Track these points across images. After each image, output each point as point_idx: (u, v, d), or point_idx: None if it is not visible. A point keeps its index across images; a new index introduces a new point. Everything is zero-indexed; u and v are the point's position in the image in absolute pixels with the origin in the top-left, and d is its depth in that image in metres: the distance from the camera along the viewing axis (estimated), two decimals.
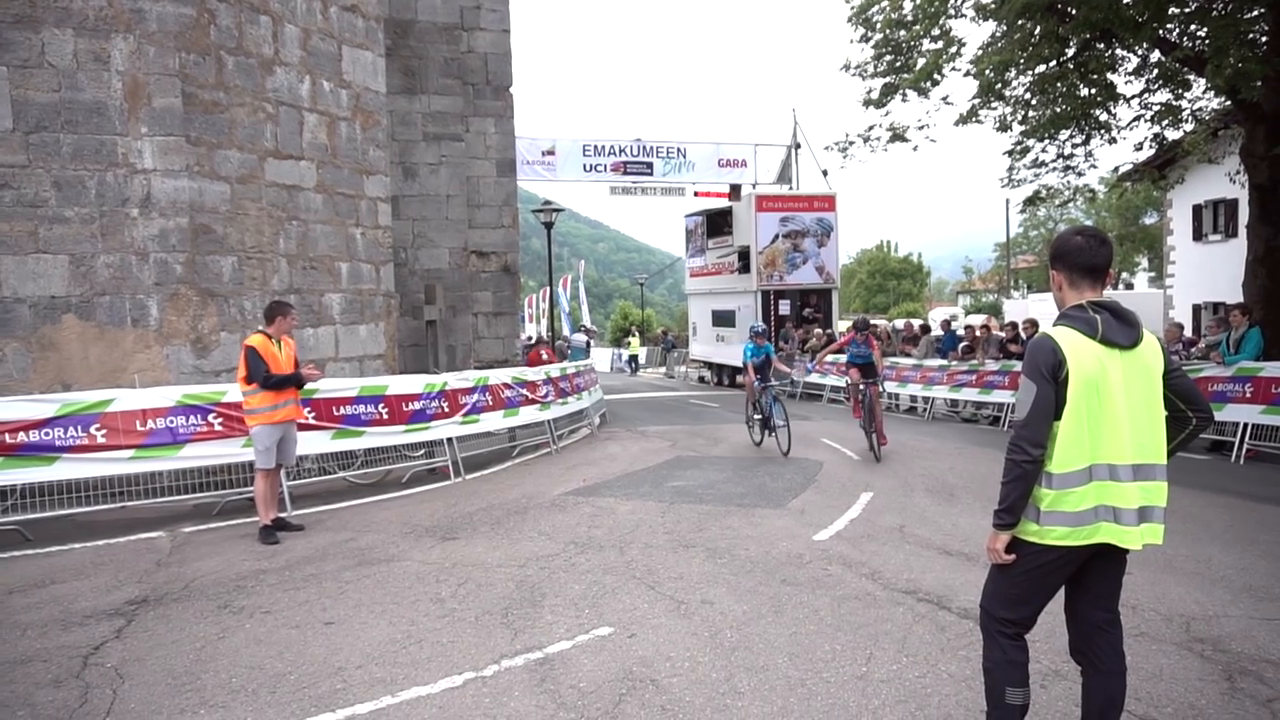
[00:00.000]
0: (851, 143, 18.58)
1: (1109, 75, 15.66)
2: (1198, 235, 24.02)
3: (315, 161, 11.12)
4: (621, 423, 16.09)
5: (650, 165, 24.39)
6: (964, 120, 16.88)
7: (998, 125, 16.97)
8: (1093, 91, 15.72)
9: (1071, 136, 16.72)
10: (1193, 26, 14.03)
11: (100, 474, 7.79)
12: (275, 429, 7.39)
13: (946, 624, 4.86)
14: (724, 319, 25.26)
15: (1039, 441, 2.82)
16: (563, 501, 8.67)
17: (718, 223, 25.85)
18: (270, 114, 10.41)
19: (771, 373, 12.13)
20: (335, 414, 9.10)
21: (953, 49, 16.28)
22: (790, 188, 25.24)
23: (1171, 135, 16.28)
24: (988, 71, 15.49)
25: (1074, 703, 3.63)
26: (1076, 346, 2.82)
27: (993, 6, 15.27)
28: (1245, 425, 10.52)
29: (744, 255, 23.59)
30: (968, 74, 16.29)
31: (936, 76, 16.53)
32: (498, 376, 11.57)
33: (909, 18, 16.54)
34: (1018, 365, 14.27)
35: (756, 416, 12.23)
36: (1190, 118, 15.83)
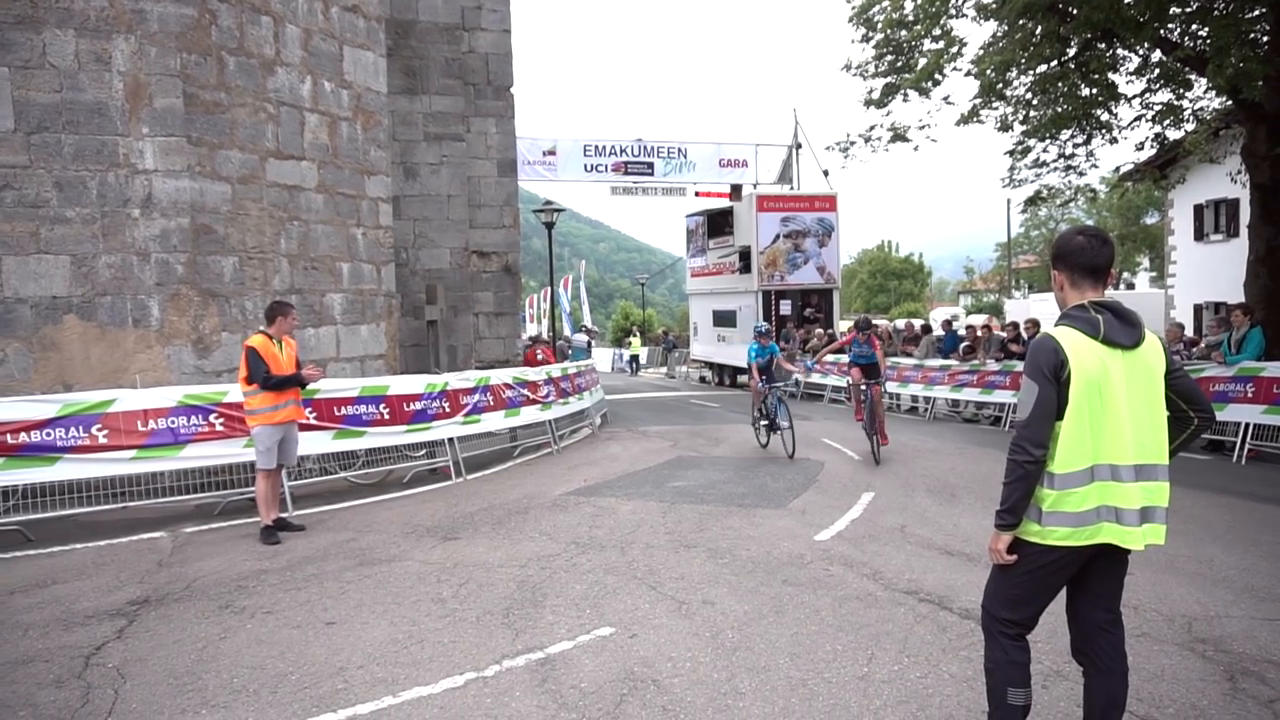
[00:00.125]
0: (853, 143, 18.58)
1: (1110, 75, 15.64)
2: (1199, 235, 24.01)
3: (316, 162, 11.12)
4: (623, 423, 16.09)
5: (651, 165, 24.39)
6: (965, 120, 16.87)
7: (999, 125, 16.97)
8: (1094, 91, 15.71)
9: (1073, 136, 16.71)
10: (1194, 26, 14.02)
11: (102, 474, 7.79)
12: (276, 429, 7.39)
13: (948, 624, 4.86)
14: (725, 319, 25.26)
15: (1041, 442, 2.82)
16: (564, 501, 8.67)
17: (719, 223, 25.85)
18: (271, 114, 10.41)
19: (777, 372, 11.97)
20: (336, 414, 9.11)
21: (954, 49, 16.28)
22: (791, 188, 25.23)
23: (1173, 135, 16.27)
24: (989, 71, 15.49)
25: (1076, 703, 3.63)
26: (1078, 346, 2.82)
27: (994, 6, 15.26)
28: (1247, 425, 10.51)
29: (745, 255, 23.59)
30: (969, 74, 16.30)
31: (938, 76, 16.53)
32: (499, 376, 11.57)
33: (910, 18, 16.54)
34: (1019, 365, 14.26)
35: (764, 423, 11.92)
36: (1191, 117, 15.82)
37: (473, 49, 17.48)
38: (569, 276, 45.17)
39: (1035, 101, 16.36)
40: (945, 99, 17.51)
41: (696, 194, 25.49)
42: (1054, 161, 17.28)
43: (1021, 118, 16.69)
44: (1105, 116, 16.27)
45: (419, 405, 9.92)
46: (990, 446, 12.04)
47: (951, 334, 18.29)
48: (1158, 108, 15.65)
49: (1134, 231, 40.99)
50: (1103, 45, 15.02)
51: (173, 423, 8.04)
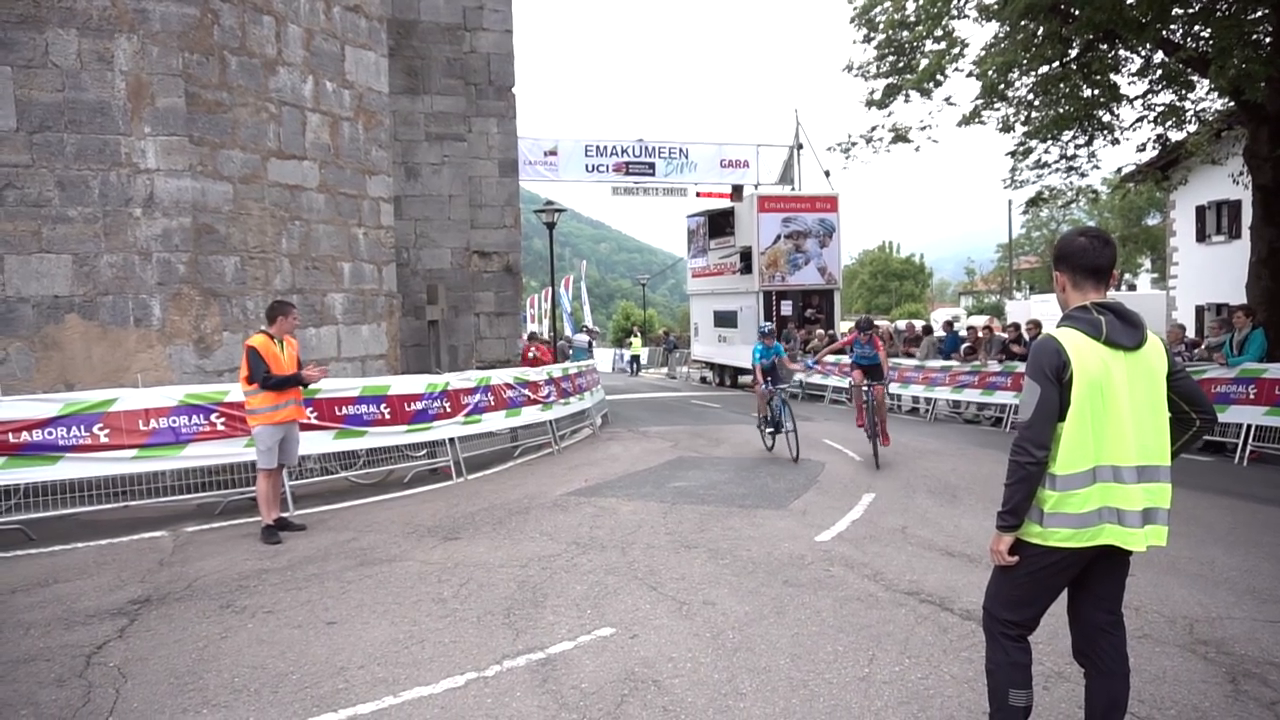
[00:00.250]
0: (854, 143, 18.58)
1: (1112, 76, 15.63)
2: (1201, 236, 23.99)
3: (318, 161, 11.13)
4: (623, 423, 16.09)
5: (652, 166, 24.39)
6: (967, 121, 16.87)
7: (1000, 126, 16.97)
8: (1096, 92, 15.70)
9: (1074, 137, 16.70)
10: (1196, 27, 14.01)
11: (103, 473, 7.80)
12: (277, 429, 7.39)
13: (949, 625, 4.85)
14: (726, 320, 25.26)
15: (1043, 443, 2.82)
16: (565, 502, 8.67)
17: (720, 223, 25.85)
18: (273, 114, 10.42)
19: (782, 373, 11.77)
20: (337, 414, 9.11)
21: (955, 50, 16.27)
22: (792, 188, 25.23)
23: (1175, 136, 16.27)
24: (990, 72, 15.48)
25: (1077, 704, 3.63)
26: (1080, 348, 2.82)
27: (995, 7, 15.26)
28: (1248, 427, 10.50)
29: (746, 256, 23.59)
30: (970, 75, 16.29)
31: (939, 77, 16.52)
32: (500, 377, 11.57)
33: (911, 18, 16.54)
34: (1020, 366, 14.26)
35: (769, 430, 11.70)
36: (1193, 119, 15.80)
37: (474, 49, 17.49)
38: (570, 277, 45.18)
39: (1037, 102, 16.35)
40: (947, 100, 17.57)
41: (698, 194, 25.49)
42: (1055, 162, 17.28)
43: (1023, 119, 16.69)
44: (1107, 118, 16.27)
45: (420, 405, 9.93)
46: (991, 447, 12.03)
47: (952, 335, 18.29)
48: (1160, 109, 15.64)
49: (1135, 233, 40.98)
50: (1105, 46, 15.01)
51: (174, 422, 8.04)
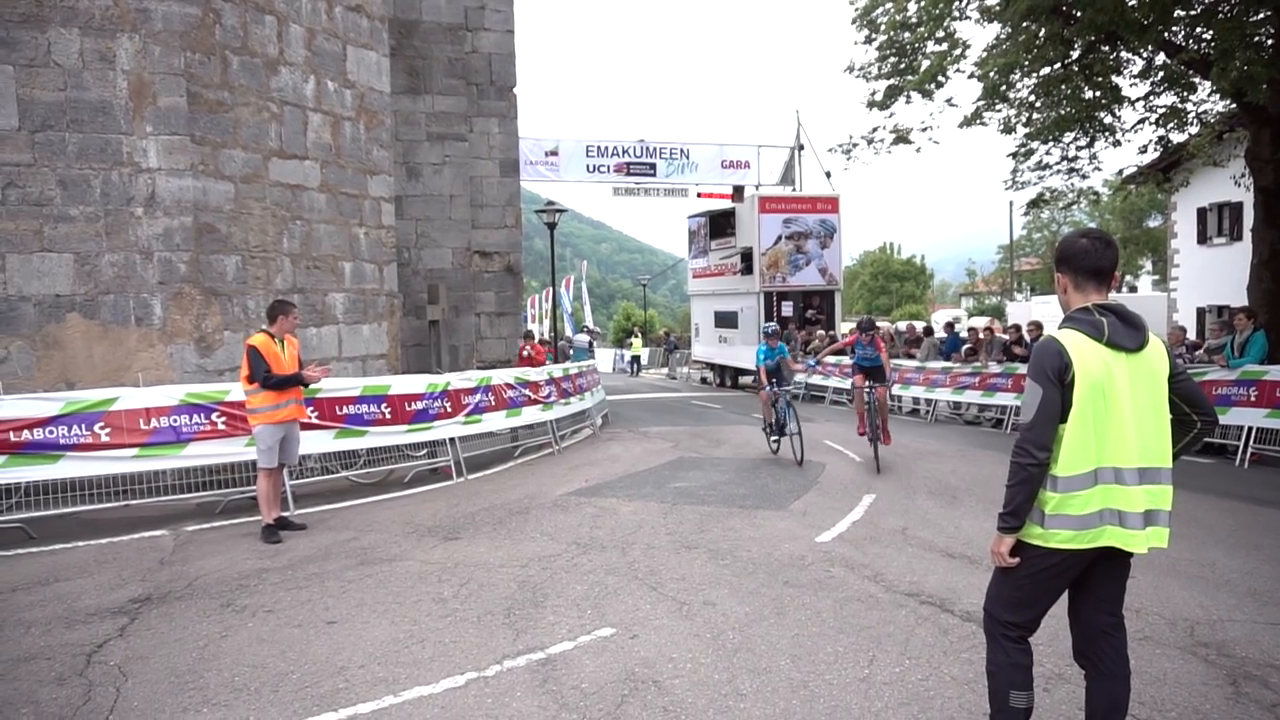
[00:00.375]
0: (855, 144, 18.57)
1: (1114, 78, 15.62)
2: (1202, 238, 23.99)
3: (319, 161, 11.13)
4: (624, 423, 16.09)
5: (653, 166, 24.38)
6: (968, 122, 16.86)
7: (1002, 127, 16.95)
8: (1097, 94, 15.69)
9: (1076, 139, 16.69)
10: (1198, 29, 13.99)
11: (104, 472, 7.80)
12: (277, 428, 7.39)
13: (949, 627, 4.85)
14: (727, 320, 25.25)
15: (1044, 444, 2.82)
16: (565, 502, 8.67)
17: (721, 224, 25.84)
18: (274, 114, 10.42)
19: (787, 373, 11.52)
20: (338, 413, 9.11)
21: (957, 51, 16.26)
22: (793, 189, 25.23)
23: (1176, 138, 16.25)
24: (992, 73, 15.47)
25: (1077, 706, 3.63)
26: (1082, 349, 2.82)
27: (997, 9, 15.25)
28: (1249, 429, 10.50)
29: (747, 256, 23.58)
30: (972, 76, 16.28)
31: (941, 78, 16.51)
32: (500, 377, 11.57)
33: (913, 19, 16.53)
34: (1021, 368, 14.26)
35: (774, 438, 11.48)
36: (1195, 120, 15.79)
37: (476, 49, 17.50)
38: (571, 277, 45.18)
39: (1038, 104, 16.34)
40: (948, 101, 17.52)
41: (699, 195, 25.48)
42: (1057, 164, 17.27)
43: (1024, 120, 16.68)
44: (1108, 119, 16.25)
45: (420, 405, 9.93)
46: (992, 449, 12.03)
47: (953, 336, 18.29)
48: (1161, 111, 15.63)
49: (1137, 234, 40.96)
50: (1106, 48, 15.00)
51: (175, 421, 8.04)
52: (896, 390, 17.10)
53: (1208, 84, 14.18)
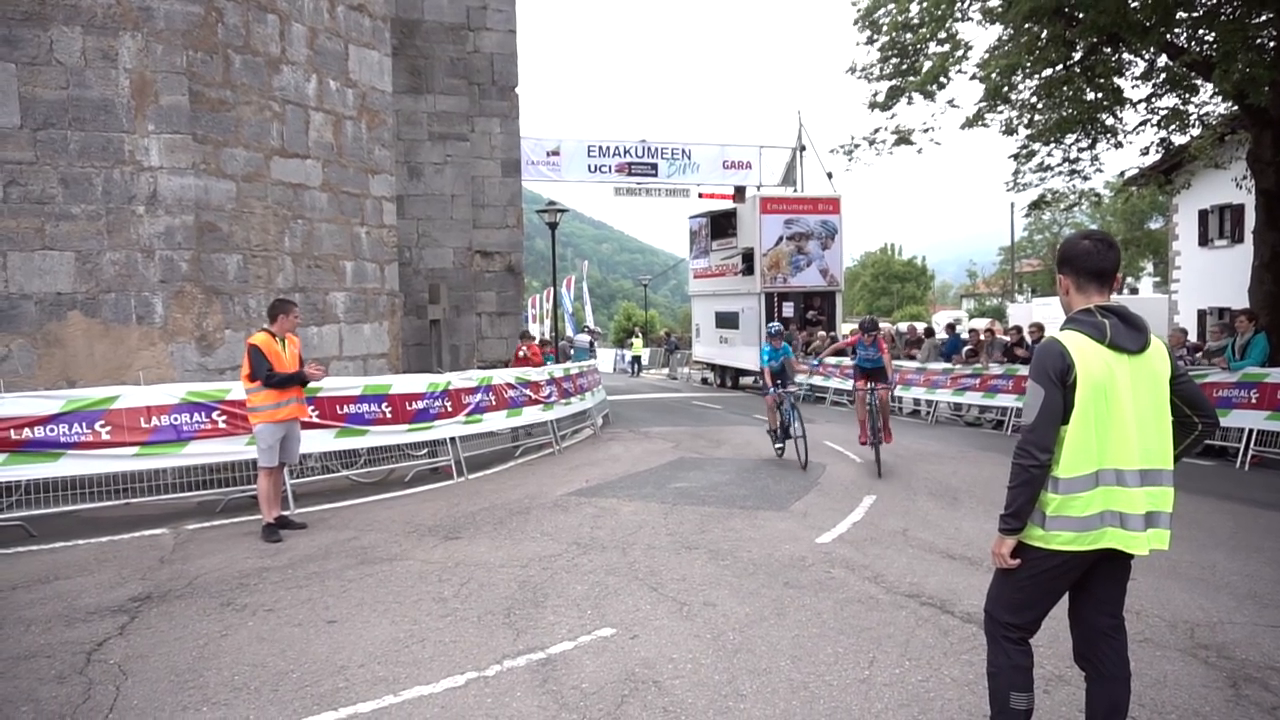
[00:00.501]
0: (857, 145, 18.57)
1: (1115, 79, 15.62)
2: (1203, 240, 23.98)
3: (321, 160, 11.14)
4: (624, 423, 16.09)
5: (655, 166, 24.38)
6: (970, 123, 16.86)
7: (1004, 129, 16.95)
8: (1099, 96, 15.68)
9: (1077, 140, 16.68)
10: (1200, 31, 13.99)
11: (105, 470, 7.80)
12: (278, 427, 7.39)
13: (950, 628, 4.85)
14: (728, 321, 25.25)
15: (1046, 446, 2.81)
16: (565, 502, 8.67)
17: (722, 224, 25.85)
18: (276, 113, 10.43)
19: (791, 373, 11.33)
20: (339, 412, 9.11)
21: (959, 52, 16.26)
22: (795, 190, 25.23)
23: (1178, 140, 16.24)
24: (994, 75, 15.46)
25: (1078, 708, 3.62)
26: (1085, 351, 2.81)
27: (999, 10, 15.25)
28: (1250, 431, 10.49)
29: (748, 257, 23.59)
30: (974, 77, 16.28)
31: (943, 79, 16.50)
32: (501, 376, 11.58)
33: (915, 20, 16.53)
34: (1021, 369, 14.25)
35: (778, 445, 11.25)
36: (1197, 122, 15.78)
37: (478, 49, 17.50)
38: (572, 277, 45.16)
39: (1040, 105, 16.34)
40: (950, 102, 17.53)
41: (700, 195, 25.48)
42: (1058, 165, 17.26)
43: (1026, 121, 16.68)
44: (1110, 121, 16.25)
45: (421, 404, 9.93)
46: (992, 450, 12.02)
47: (954, 337, 18.28)
48: (1163, 112, 15.62)
49: (1138, 236, 40.98)
50: (1108, 50, 15.00)
51: (175, 420, 8.04)
52: (897, 391, 17.07)
53: (1209, 86, 14.18)
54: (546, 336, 25.56)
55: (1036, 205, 18.72)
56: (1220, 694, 3.98)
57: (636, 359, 38.18)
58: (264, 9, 10.23)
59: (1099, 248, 2.93)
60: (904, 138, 17.83)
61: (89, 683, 4.20)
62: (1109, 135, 16.41)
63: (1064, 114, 15.85)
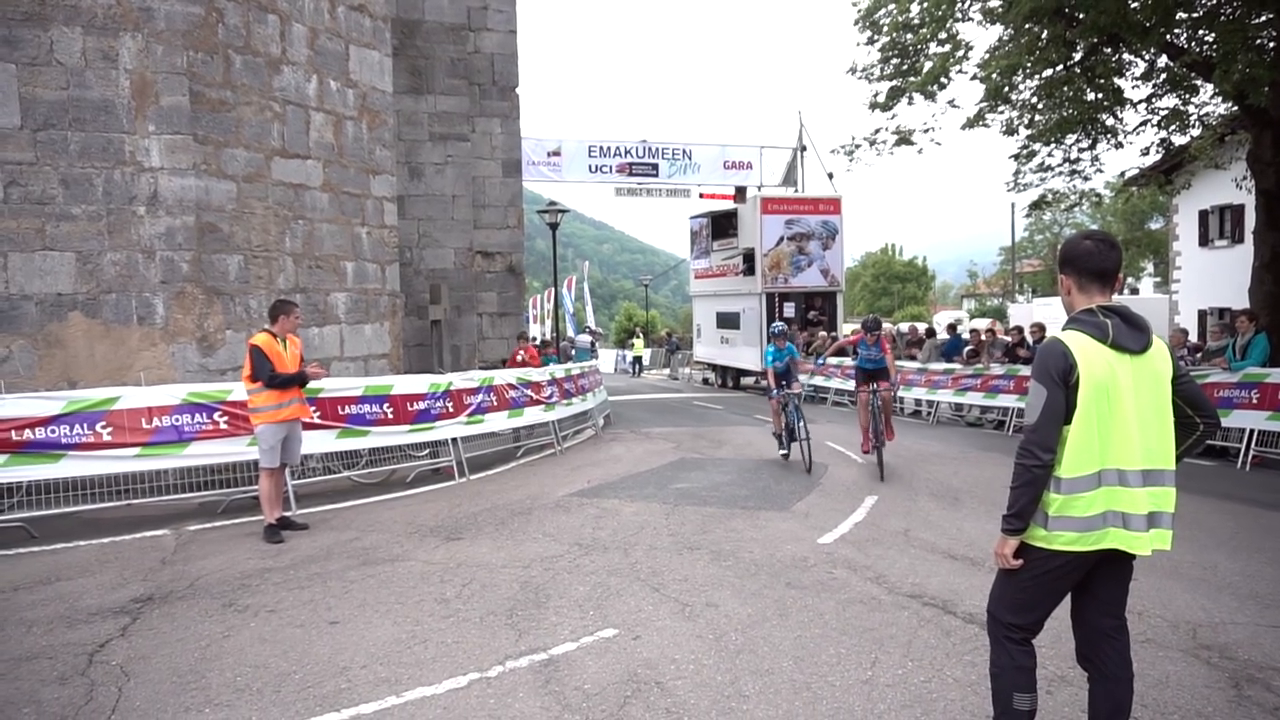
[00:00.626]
0: (857, 145, 18.56)
1: (1116, 80, 15.62)
2: (1204, 240, 23.99)
3: (321, 161, 11.14)
4: (626, 424, 16.09)
5: (656, 167, 24.37)
6: (970, 124, 16.85)
7: (1004, 129, 16.94)
8: (1099, 96, 15.68)
9: (1078, 141, 16.68)
10: (1200, 31, 13.99)
11: (106, 471, 7.80)
12: (280, 428, 7.39)
13: (952, 629, 4.85)
14: (728, 321, 25.25)
15: (1049, 446, 2.81)
16: (567, 503, 8.67)
17: (723, 225, 25.84)
18: (277, 113, 10.43)
19: (796, 374, 11.15)
20: (340, 413, 9.11)
21: (960, 52, 16.25)
22: (796, 190, 25.21)
23: (1178, 140, 16.24)
24: (994, 75, 15.45)
25: (1080, 709, 3.62)
26: (1087, 351, 2.81)
27: (1000, 10, 15.24)
28: (1251, 432, 10.49)
29: (749, 257, 23.58)
30: (974, 77, 16.27)
31: (943, 80, 16.49)
32: (503, 377, 11.58)
33: (916, 21, 16.52)
34: (1022, 369, 14.25)
35: (782, 450, 11.09)
36: (1197, 123, 15.78)
37: (478, 49, 17.51)
38: (572, 277, 45.15)
39: (1041, 106, 16.34)
40: (950, 102, 17.54)
41: (701, 195, 25.46)
42: (1059, 166, 17.26)
43: (1027, 122, 16.67)
44: (1111, 121, 16.25)
45: (422, 405, 9.93)
46: (994, 451, 12.02)
47: (955, 338, 18.27)
48: (1163, 113, 15.62)
49: (1138, 236, 41.00)
50: (1109, 50, 15.00)
51: (177, 420, 8.04)
52: (899, 392, 17.04)
53: (1210, 86, 14.18)
54: (548, 337, 25.56)
55: (1037, 205, 18.72)
56: (1222, 694, 3.98)
57: (637, 359, 38.18)
58: (264, 9, 10.23)
59: (1101, 248, 2.93)
60: (905, 138, 17.83)
61: (91, 684, 4.20)
62: (1109, 135, 16.41)
63: (1064, 114, 15.85)
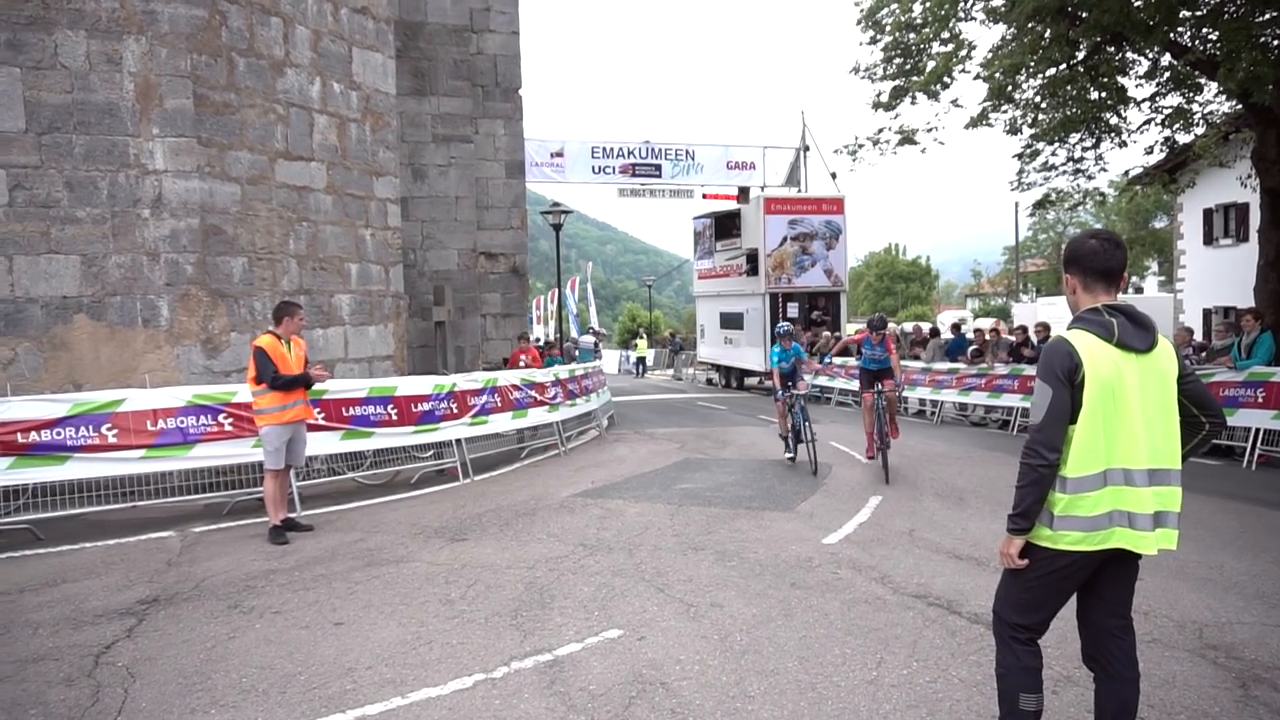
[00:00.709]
0: (860, 145, 18.52)
1: (1120, 78, 15.58)
2: (1208, 239, 23.93)
3: (325, 163, 11.16)
4: (630, 425, 16.09)
5: (659, 167, 24.39)
6: (974, 123, 16.82)
7: (1008, 128, 16.92)
8: (1103, 95, 15.65)
9: (1082, 140, 16.65)
10: (1204, 30, 13.96)
11: (111, 473, 7.82)
12: (284, 429, 7.41)
13: (957, 629, 4.84)
14: (732, 321, 25.24)
15: (1055, 445, 2.81)
16: (571, 503, 8.67)
17: (726, 225, 25.83)
18: (281, 115, 10.45)
19: (802, 374, 11.08)
20: (344, 415, 9.13)
21: (963, 52, 16.22)
22: (799, 190, 25.21)
23: (1182, 139, 16.21)
24: (998, 74, 15.43)
25: (1087, 709, 3.61)
26: (1093, 350, 2.81)
27: (1003, 9, 15.22)
28: (1257, 431, 10.45)
29: (752, 258, 23.56)
30: (978, 77, 16.25)
31: (946, 79, 16.46)
32: (506, 378, 11.59)
33: (918, 20, 16.50)
34: (1027, 369, 14.23)
35: (788, 453, 10.99)
36: (1201, 121, 15.75)
37: (481, 51, 17.53)
38: (576, 278, 45.17)
39: (1044, 105, 16.31)
40: (954, 102, 17.47)
41: (704, 196, 25.46)
42: (1063, 165, 17.22)
43: (1030, 121, 16.64)
44: (1114, 120, 16.21)
45: (427, 406, 9.94)
46: (998, 450, 12.00)
47: (959, 337, 18.25)
48: (1167, 111, 15.59)
49: (1143, 235, 40.90)
50: (1112, 49, 14.97)
51: (182, 422, 8.06)
52: (903, 391, 16.99)
53: (1214, 85, 14.15)
54: (552, 338, 25.57)
55: (1041, 205, 18.68)
56: (1229, 694, 3.96)
57: (641, 360, 38.18)
58: (268, 12, 10.25)
59: (1106, 247, 2.92)
60: (908, 138, 17.80)
61: (97, 685, 4.21)
62: (1113, 134, 16.38)
63: (1068, 113, 15.82)
